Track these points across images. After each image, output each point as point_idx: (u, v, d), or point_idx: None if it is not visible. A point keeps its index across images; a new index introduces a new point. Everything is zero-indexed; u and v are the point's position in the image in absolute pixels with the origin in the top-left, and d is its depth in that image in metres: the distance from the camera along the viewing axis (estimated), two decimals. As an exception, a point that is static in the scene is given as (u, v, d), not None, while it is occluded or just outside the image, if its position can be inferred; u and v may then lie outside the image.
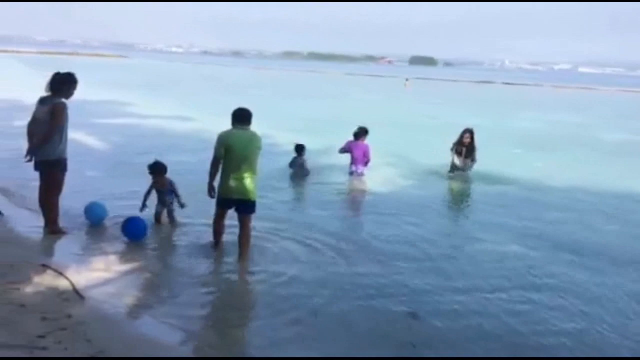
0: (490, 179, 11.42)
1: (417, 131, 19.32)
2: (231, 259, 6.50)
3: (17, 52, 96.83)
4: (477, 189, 11.02)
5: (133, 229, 6.79)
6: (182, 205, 7.51)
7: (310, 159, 11.31)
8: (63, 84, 6.56)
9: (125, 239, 6.78)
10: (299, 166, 10.99)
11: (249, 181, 6.24)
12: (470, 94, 51.24)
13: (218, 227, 6.63)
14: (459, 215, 9.70)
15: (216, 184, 6.46)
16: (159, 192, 7.51)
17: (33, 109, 6.69)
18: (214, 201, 6.54)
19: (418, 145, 15.52)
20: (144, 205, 7.41)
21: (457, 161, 11.48)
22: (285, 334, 4.80)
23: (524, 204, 9.75)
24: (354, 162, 11.10)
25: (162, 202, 7.51)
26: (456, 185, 11.25)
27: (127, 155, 12.41)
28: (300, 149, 11.17)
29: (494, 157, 12.34)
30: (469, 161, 11.47)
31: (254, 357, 4.48)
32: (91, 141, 13.54)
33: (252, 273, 6.14)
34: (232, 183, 6.22)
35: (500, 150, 14.95)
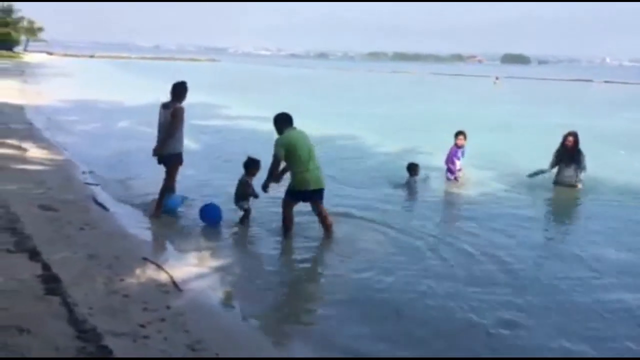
0: (598, 184, 10.35)
1: (509, 132, 18.49)
2: (317, 250, 6.80)
3: (116, 57, 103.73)
4: (584, 200, 9.77)
5: (210, 214, 7.44)
6: (256, 196, 7.67)
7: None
8: (180, 91, 7.78)
9: (209, 227, 7.34)
10: (411, 187, 9.76)
11: (318, 171, 6.93)
12: (565, 92, 48.58)
13: (289, 218, 7.11)
14: (565, 236, 8.03)
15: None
16: (244, 187, 7.65)
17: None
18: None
19: (511, 148, 14.66)
20: (243, 199, 7.64)
21: (563, 169, 10.29)
22: (380, 330, 4.79)
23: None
24: None
25: (245, 198, 7.63)
26: (560, 194, 10.08)
27: (217, 152, 12.99)
28: (413, 167, 9.95)
29: (597, 158, 11.25)
30: (574, 169, 10.17)
31: (342, 358, 4.42)
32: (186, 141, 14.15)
33: (345, 263, 6.31)
34: (308, 176, 6.81)
35: (604, 151, 13.88)
